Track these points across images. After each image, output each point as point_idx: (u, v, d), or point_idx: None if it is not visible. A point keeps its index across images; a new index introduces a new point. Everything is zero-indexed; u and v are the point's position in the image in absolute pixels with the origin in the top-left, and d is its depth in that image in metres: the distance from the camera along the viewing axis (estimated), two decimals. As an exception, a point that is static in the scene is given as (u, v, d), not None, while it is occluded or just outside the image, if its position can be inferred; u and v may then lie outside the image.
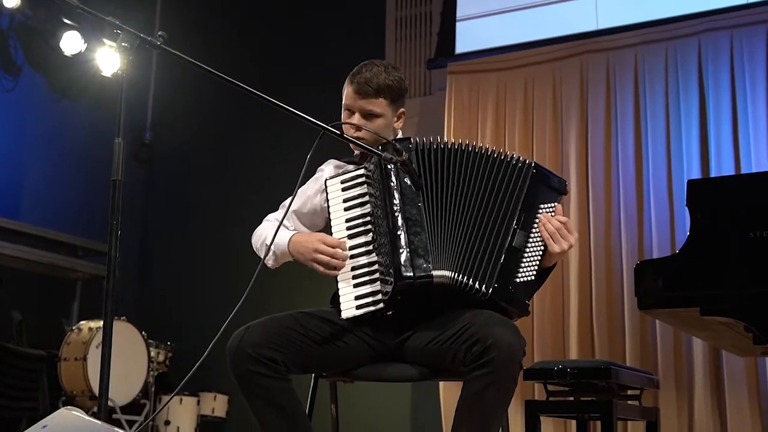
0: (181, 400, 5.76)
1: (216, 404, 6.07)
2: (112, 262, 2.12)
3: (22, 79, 6.31)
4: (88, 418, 2.04)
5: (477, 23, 5.77)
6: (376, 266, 2.44)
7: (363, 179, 2.52)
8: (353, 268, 2.47)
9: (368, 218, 2.49)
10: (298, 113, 2.34)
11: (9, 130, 6.24)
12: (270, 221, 2.81)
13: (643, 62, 5.24)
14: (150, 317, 6.48)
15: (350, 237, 2.49)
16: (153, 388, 5.69)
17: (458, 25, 5.82)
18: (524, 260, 2.49)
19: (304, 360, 2.46)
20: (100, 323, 5.12)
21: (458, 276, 2.42)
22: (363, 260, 2.46)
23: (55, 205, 6.49)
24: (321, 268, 2.47)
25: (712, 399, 4.69)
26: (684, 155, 4.99)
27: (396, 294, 2.38)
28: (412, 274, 2.36)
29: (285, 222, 2.67)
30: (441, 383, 5.26)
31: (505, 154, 2.56)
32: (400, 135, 2.77)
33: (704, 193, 3.01)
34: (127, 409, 5.44)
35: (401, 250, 2.38)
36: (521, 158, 2.57)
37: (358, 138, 2.61)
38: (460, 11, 5.82)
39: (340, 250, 2.46)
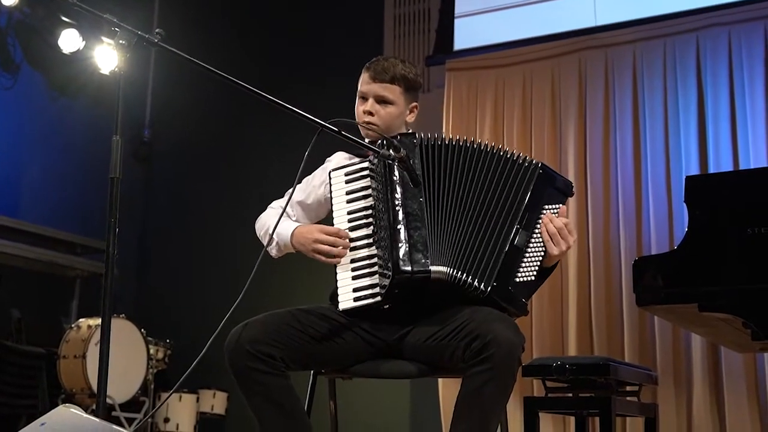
0: (180, 397, 5.76)
1: (215, 401, 6.07)
2: (111, 259, 2.12)
3: (20, 76, 6.30)
4: (86, 415, 2.04)
5: (475, 20, 5.77)
6: (375, 259, 2.45)
7: (367, 172, 2.53)
8: (352, 261, 2.48)
9: (370, 212, 2.50)
10: (296, 110, 2.34)
11: (7, 128, 6.23)
12: (274, 208, 2.84)
13: (641, 59, 5.24)
14: (149, 315, 6.47)
15: (351, 229, 2.51)
16: (152, 386, 5.69)
17: (456, 21, 5.82)
18: (525, 260, 2.50)
19: (303, 356, 2.47)
20: (99, 321, 5.12)
21: (456, 272, 2.42)
22: (363, 253, 2.47)
23: (53, 203, 6.49)
24: (322, 258, 2.49)
25: (711, 395, 4.69)
26: (682, 151, 4.99)
27: (393, 287, 2.39)
28: (410, 268, 2.37)
29: (288, 210, 2.69)
30: (440, 380, 5.26)
31: (512, 153, 2.56)
32: (411, 130, 2.78)
33: (702, 189, 3.01)
34: (126, 406, 5.44)
35: (400, 245, 2.39)
36: (528, 158, 2.57)
37: (369, 124, 2.67)
38: (459, 8, 5.82)
39: (341, 239, 2.47)
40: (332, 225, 2.55)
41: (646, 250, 4.94)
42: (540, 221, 2.53)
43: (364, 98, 2.73)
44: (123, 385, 5.38)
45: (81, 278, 6.38)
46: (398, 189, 2.45)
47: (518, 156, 2.57)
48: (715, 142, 4.90)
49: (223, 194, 6.84)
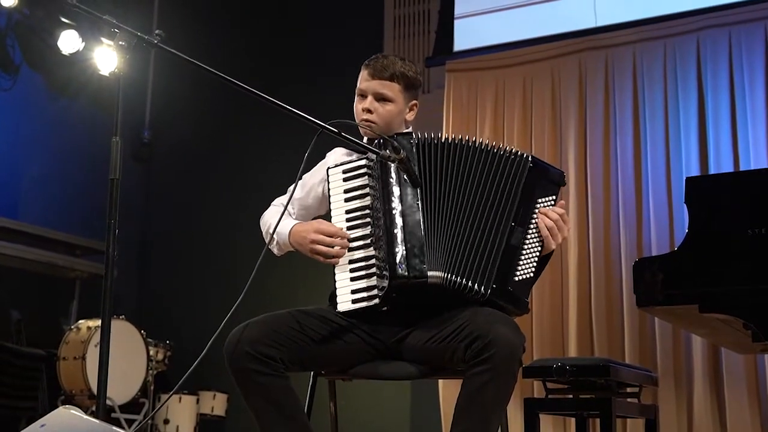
0: (180, 398, 5.76)
1: (215, 403, 6.07)
2: (111, 260, 2.12)
3: (20, 78, 6.30)
4: (86, 417, 2.04)
5: (475, 21, 5.77)
6: (373, 260, 2.44)
7: (364, 170, 2.51)
8: (350, 262, 2.47)
9: (367, 211, 2.48)
10: (297, 111, 2.34)
11: (7, 129, 6.23)
12: (276, 206, 2.83)
13: (641, 60, 5.24)
14: (149, 316, 6.48)
15: (349, 229, 2.49)
16: (152, 387, 5.68)
17: (456, 22, 5.81)
18: (522, 257, 2.49)
19: (303, 358, 2.46)
20: (99, 322, 5.12)
21: (454, 277, 2.42)
22: (360, 254, 2.46)
23: (53, 204, 6.49)
24: (321, 258, 2.48)
25: (711, 396, 4.69)
26: (683, 152, 4.99)
27: (391, 291, 2.39)
28: (407, 273, 2.37)
29: (289, 208, 2.69)
30: (440, 381, 5.26)
31: (501, 148, 2.54)
32: (411, 128, 2.77)
33: (703, 190, 3.01)
34: (126, 408, 5.44)
35: (397, 249, 2.38)
36: (518, 152, 2.55)
37: (368, 122, 2.64)
38: (458, 9, 5.82)
39: (338, 239, 2.46)
40: (331, 221, 2.55)
41: (646, 251, 4.94)
42: (535, 216, 2.52)
43: (363, 96, 2.71)
44: (123, 386, 5.37)
45: (81, 279, 6.37)
46: (395, 191, 2.44)
47: (508, 150, 2.55)
48: (715, 142, 4.90)
49: (223, 195, 6.84)
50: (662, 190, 5.00)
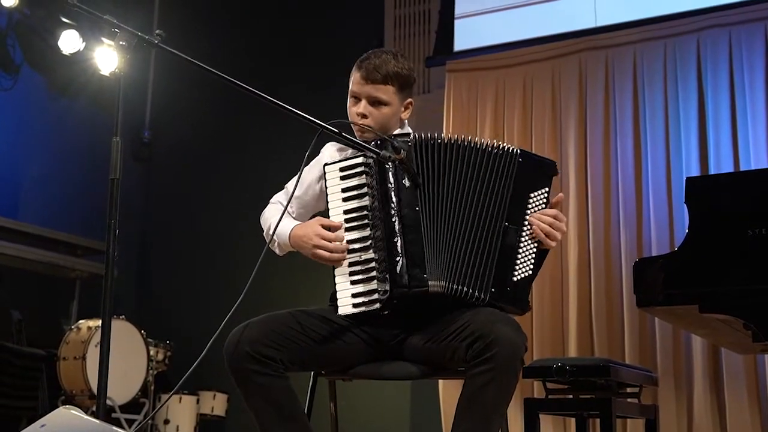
0: (180, 398, 5.76)
1: (215, 403, 6.07)
2: (111, 260, 2.11)
3: (20, 77, 6.31)
4: (86, 417, 2.04)
5: (475, 21, 5.77)
6: (373, 264, 2.42)
7: (362, 168, 2.48)
8: (350, 264, 2.45)
9: (366, 212, 2.46)
10: (297, 111, 2.34)
11: (7, 129, 6.23)
12: (275, 203, 2.80)
13: (641, 60, 5.24)
14: (149, 316, 6.48)
15: (348, 230, 2.47)
16: (152, 387, 5.68)
17: (457, 22, 5.81)
18: (519, 257, 2.48)
19: (303, 358, 2.45)
20: (99, 322, 5.12)
21: (454, 285, 2.41)
22: (360, 256, 2.44)
23: (54, 204, 6.49)
24: (322, 261, 2.46)
25: (712, 396, 4.69)
26: (683, 152, 4.99)
27: (392, 299, 2.38)
28: (408, 283, 2.36)
29: (289, 207, 2.65)
30: (440, 382, 5.26)
31: (489, 145, 2.51)
32: (407, 126, 2.75)
33: (703, 190, 3.00)
34: (126, 408, 5.44)
35: (398, 258, 2.37)
36: (506, 147, 2.52)
37: (364, 124, 2.59)
38: (459, 9, 5.82)
39: (340, 243, 2.43)
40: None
41: (646, 251, 4.94)
42: (529, 212, 2.50)
43: (357, 98, 2.64)
44: (123, 386, 5.37)
45: (81, 279, 6.37)
46: (393, 193, 2.41)
47: (497, 147, 2.51)
48: (715, 142, 4.90)
49: (223, 195, 6.84)
50: (662, 190, 5.00)
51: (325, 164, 2.55)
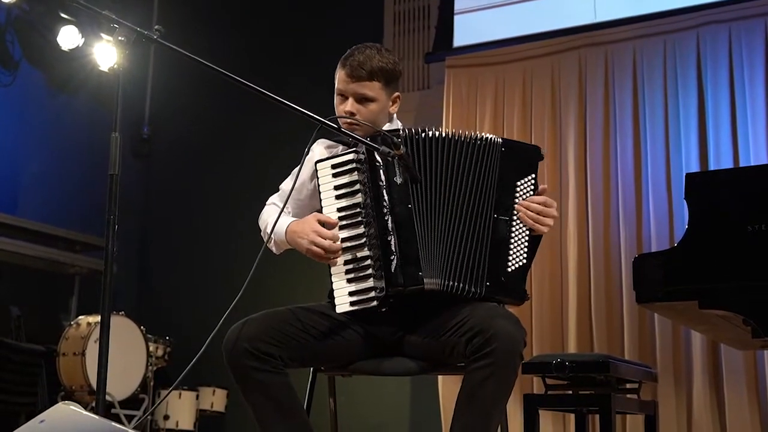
0: (180, 394, 5.76)
1: (215, 399, 6.07)
2: (110, 256, 2.11)
3: (19, 73, 6.30)
4: (85, 412, 2.03)
5: (475, 16, 5.76)
6: (368, 261, 2.41)
7: (354, 165, 2.46)
8: (346, 262, 2.44)
9: (359, 209, 2.45)
10: (296, 107, 2.33)
11: (6, 125, 6.23)
12: (271, 205, 2.79)
13: (641, 56, 5.23)
14: (148, 312, 6.47)
15: (342, 228, 2.46)
16: (152, 383, 5.68)
17: (456, 18, 5.80)
18: (512, 248, 2.48)
19: (302, 354, 2.46)
20: (99, 318, 5.12)
21: (449, 282, 2.42)
22: (356, 254, 2.43)
23: (53, 200, 6.48)
24: (317, 258, 2.45)
25: (711, 392, 4.69)
26: (682, 148, 4.99)
27: (388, 297, 2.38)
28: (403, 282, 2.36)
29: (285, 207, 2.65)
30: (440, 377, 5.25)
31: (472, 137, 2.50)
32: (396, 120, 2.73)
33: (702, 186, 3.01)
34: (125, 403, 5.43)
35: (392, 257, 2.37)
36: (488, 138, 2.51)
37: (352, 124, 2.57)
38: (458, 4, 5.81)
39: (336, 243, 2.42)
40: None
41: (646, 248, 4.94)
42: (517, 201, 2.49)
43: (343, 96, 2.62)
44: (122, 382, 5.37)
45: (80, 275, 6.37)
46: (385, 194, 2.41)
47: (480, 138, 2.50)
48: (715, 138, 4.89)
49: (223, 191, 6.84)
50: (662, 186, 5.00)
51: (317, 161, 2.54)
